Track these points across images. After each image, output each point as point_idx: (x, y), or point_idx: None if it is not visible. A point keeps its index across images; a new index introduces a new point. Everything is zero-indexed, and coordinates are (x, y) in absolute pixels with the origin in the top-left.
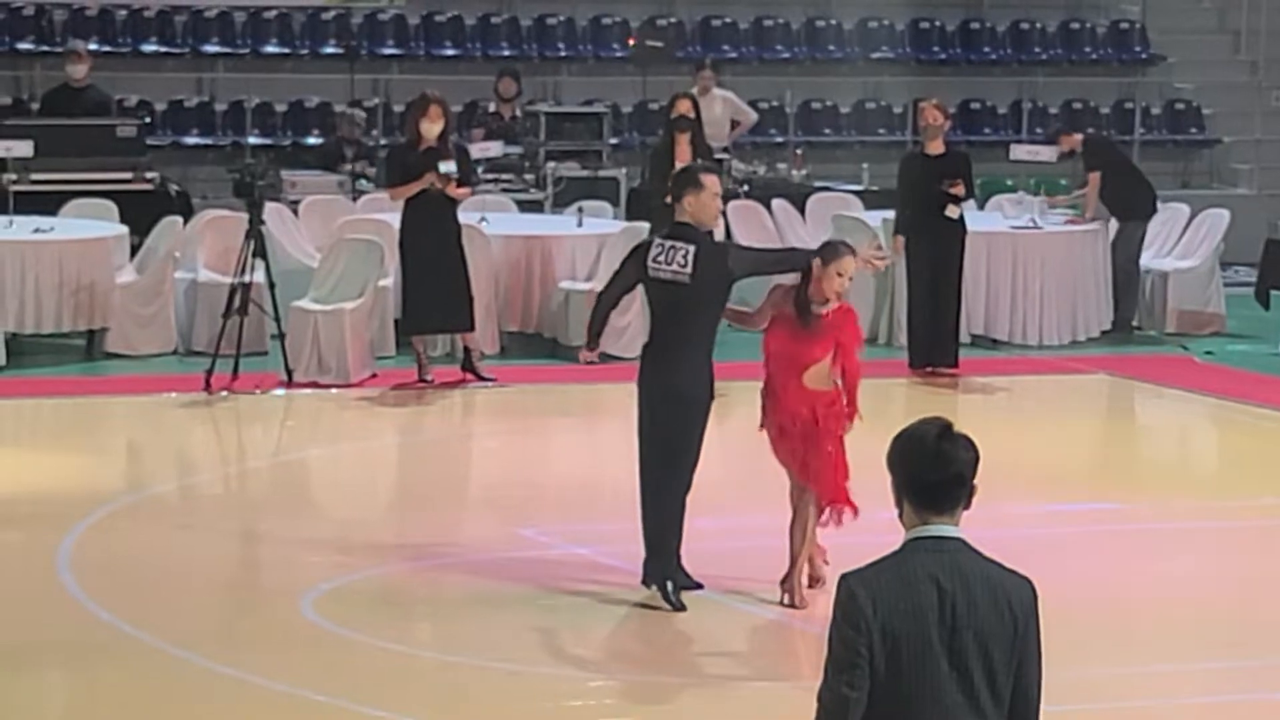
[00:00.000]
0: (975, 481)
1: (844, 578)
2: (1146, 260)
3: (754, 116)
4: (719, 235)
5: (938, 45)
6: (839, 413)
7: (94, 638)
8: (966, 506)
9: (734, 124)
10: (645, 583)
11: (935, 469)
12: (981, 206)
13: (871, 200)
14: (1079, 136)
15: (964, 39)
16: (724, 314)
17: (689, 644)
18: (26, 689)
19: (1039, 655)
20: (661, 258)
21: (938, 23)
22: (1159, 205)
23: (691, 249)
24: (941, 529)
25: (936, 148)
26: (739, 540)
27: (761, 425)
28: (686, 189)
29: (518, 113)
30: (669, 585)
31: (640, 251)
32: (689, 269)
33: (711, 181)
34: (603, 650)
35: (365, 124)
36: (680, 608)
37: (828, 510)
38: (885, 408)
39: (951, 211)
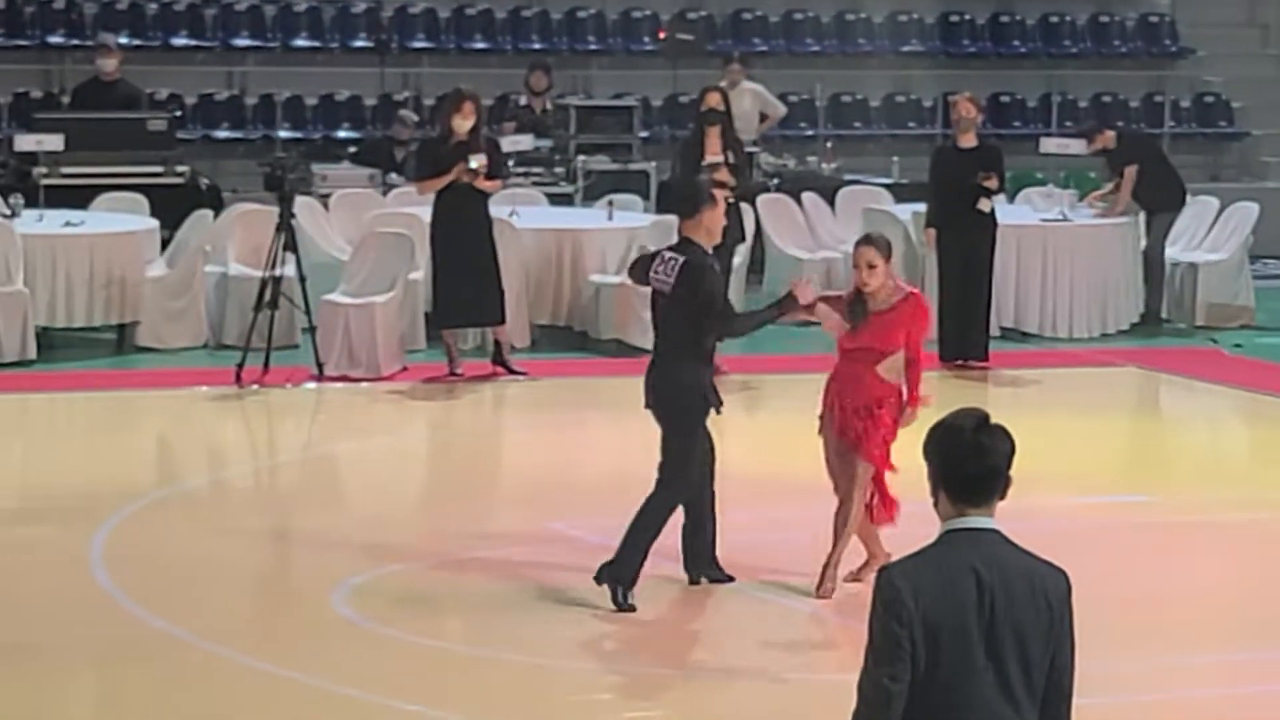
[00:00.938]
0: (1010, 473)
1: (884, 569)
2: (1176, 253)
3: (782, 110)
4: (749, 228)
5: (967, 38)
6: (898, 403)
7: (125, 633)
8: (1002, 498)
9: (762, 117)
10: (597, 579)
11: (973, 460)
12: (1011, 200)
13: (901, 194)
14: (1112, 133)
15: (994, 32)
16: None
17: (720, 637)
18: (58, 685)
19: (1072, 647)
20: (661, 268)
21: (968, 16)
22: (1188, 198)
23: (681, 260)
24: (978, 520)
25: (969, 141)
26: (772, 533)
27: (820, 415)
28: (705, 205)
29: (548, 106)
30: (619, 590)
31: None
32: (671, 280)
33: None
34: (632, 644)
35: (415, 125)
36: (629, 609)
37: (872, 499)
38: None
39: (983, 205)
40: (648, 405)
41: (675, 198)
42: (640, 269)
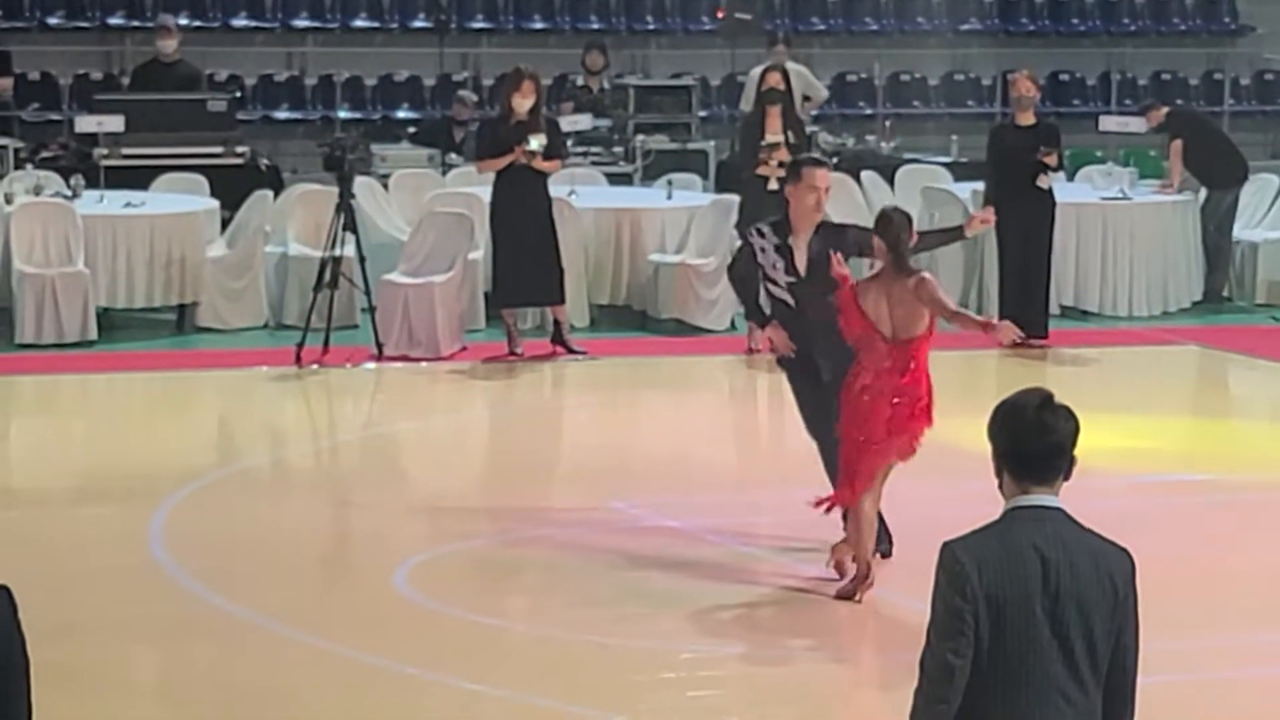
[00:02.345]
0: (1074, 453)
1: (948, 545)
2: (1236, 231)
3: (824, 93)
4: None
5: (1026, 17)
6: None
7: (185, 611)
8: (1066, 477)
9: (805, 99)
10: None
11: (1037, 439)
12: (1071, 178)
13: (960, 172)
14: (1165, 110)
15: (1053, 10)
16: None
17: (783, 618)
18: (119, 663)
19: (1136, 626)
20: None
21: None
22: (1249, 175)
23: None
24: (1042, 499)
25: (1027, 119)
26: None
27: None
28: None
29: (605, 85)
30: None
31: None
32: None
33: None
34: (693, 623)
35: (474, 106)
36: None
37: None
38: (976, 380)
39: (1042, 182)
40: None
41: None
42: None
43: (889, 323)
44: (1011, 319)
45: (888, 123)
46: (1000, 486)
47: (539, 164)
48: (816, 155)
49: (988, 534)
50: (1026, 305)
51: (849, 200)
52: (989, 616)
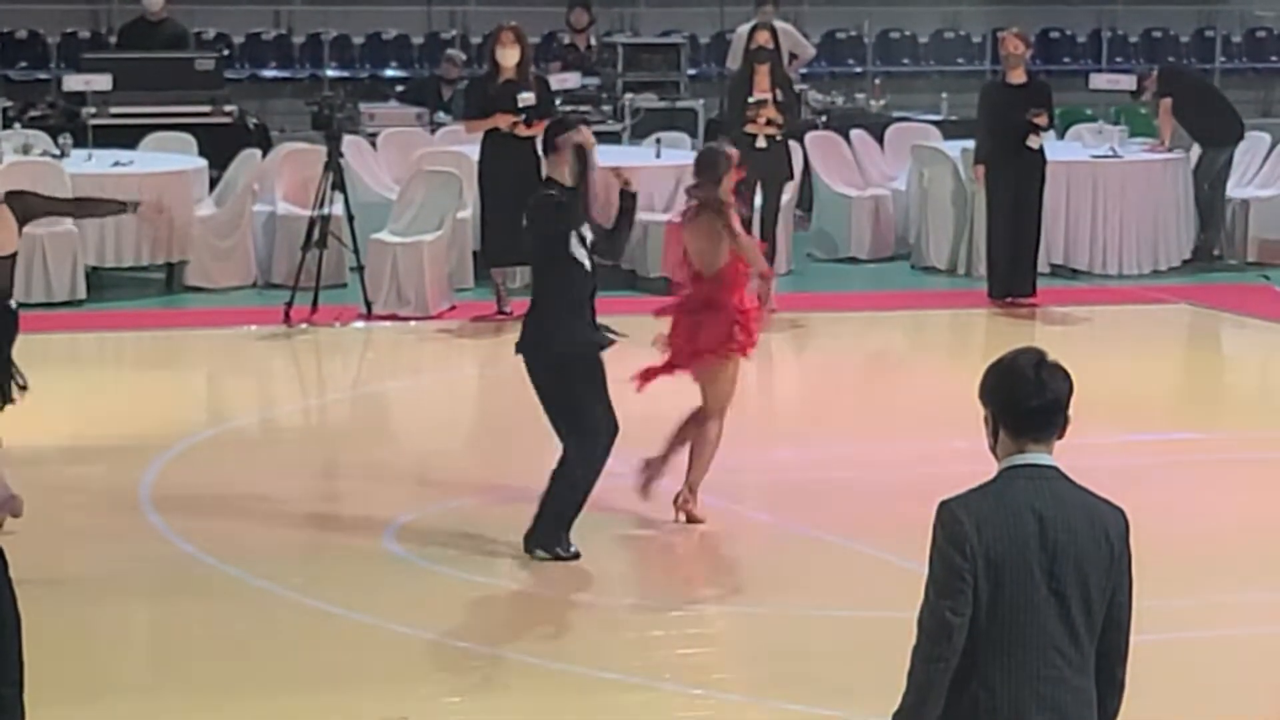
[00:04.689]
0: (1069, 412)
1: (945, 503)
2: (1227, 190)
3: (811, 51)
4: (798, 165)
5: None
6: None
7: (176, 569)
8: (1060, 436)
9: (792, 57)
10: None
11: (1035, 397)
12: (1061, 136)
13: (950, 130)
14: (1155, 72)
15: None
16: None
17: (778, 575)
18: (110, 620)
19: (1130, 584)
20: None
21: None
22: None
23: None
24: (1038, 457)
25: (1018, 77)
26: (820, 472)
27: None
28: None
29: (592, 43)
30: (555, 551)
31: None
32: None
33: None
34: (682, 580)
35: (462, 64)
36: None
37: None
38: (966, 338)
39: (1033, 141)
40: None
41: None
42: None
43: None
44: (1002, 278)
45: (877, 81)
46: (994, 446)
47: (526, 131)
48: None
49: (985, 492)
50: (1015, 264)
51: (839, 159)
52: (987, 574)
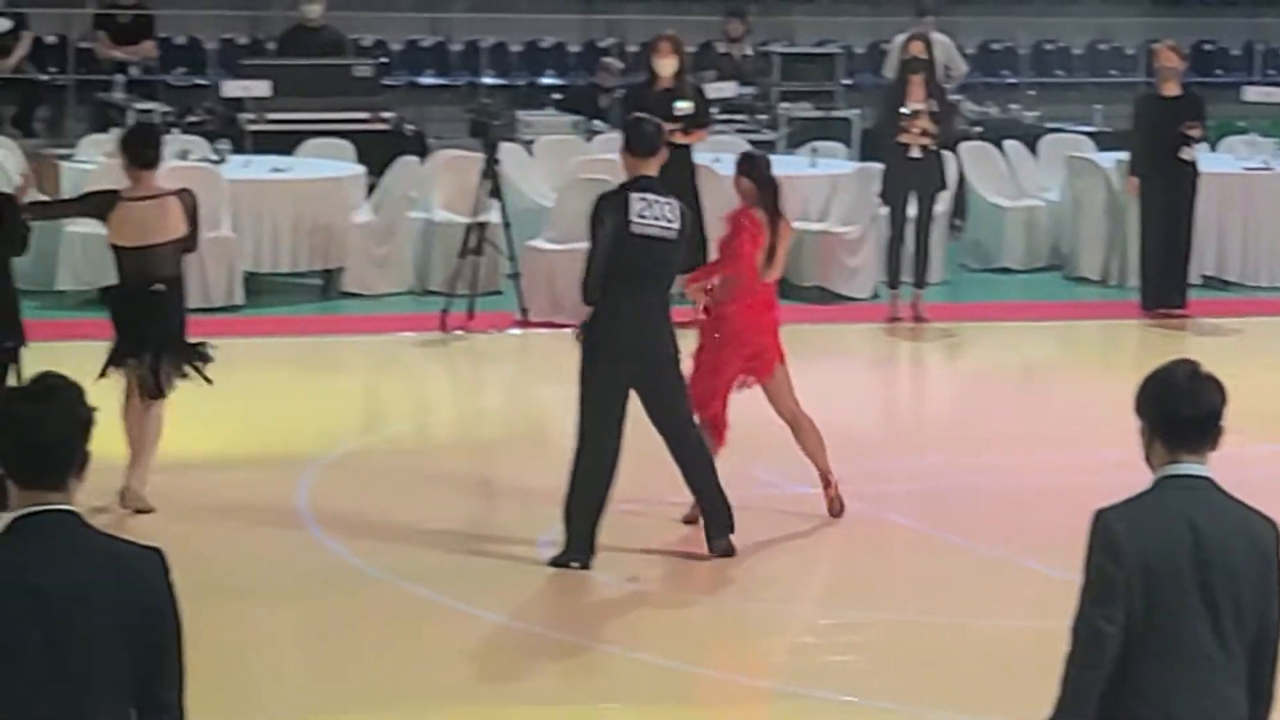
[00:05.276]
0: (1222, 423)
1: (1100, 512)
2: None
3: (965, 68)
4: (951, 176)
5: None
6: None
7: (330, 574)
8: (1214, 447)
9: (946, 71)
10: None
11: (1189, 408)
12: (1214, 148)
13: (1104, 141)
14: None
15: None
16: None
17: (920, 582)
18: (265, 622)
19: None
20: (647, 212)
21: None
22: None
23: (678, 204)
24: (1192, 468)
25: (1172, 89)
26: (971, 480)
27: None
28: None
29: (748, 52)
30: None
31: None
32: (677, 224)
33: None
34: (834, 588)
35: (619, 73)
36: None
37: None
38: (1117, 349)
39: (1186, 154)
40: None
41: (641, 135)
42: (613, 212)
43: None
44: (1154, 290)
45: (1031, 92)
46: (1148, 456)
47: (683, 139)
48: None
49: (1140, 502)
50: (1167, 275)
51: (993, 169)
52: (1141, 584)
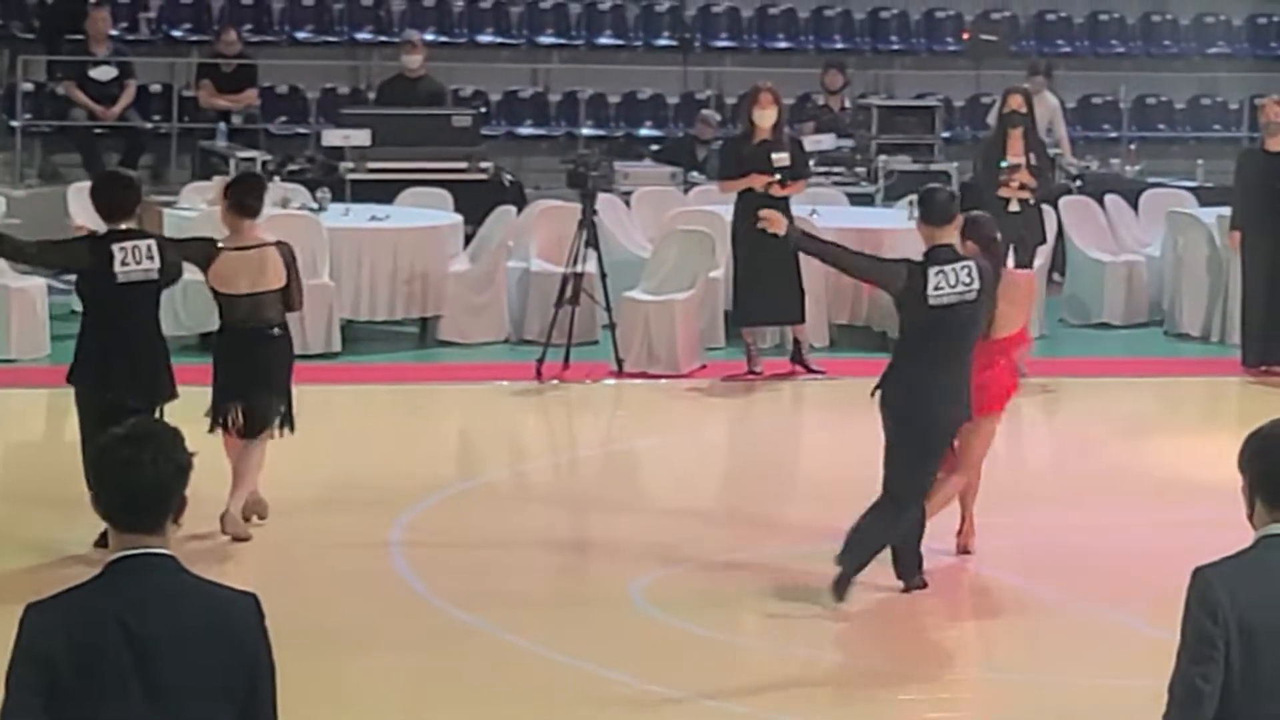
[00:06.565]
0: None
1: (1200, 570)
2: None
3: (1067, 143)
4: (1050, 229)
5: (1276, 40)
6: None
7: (424, 621)
8: None
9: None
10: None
11: None
12: None
13: (1207, 196)
14: None
15: None
16: None
17: (1017, 639)
18: (359, 670)
19: None
20: (943, 283)
21: (1276, 18)
22: None
23: (972, 264)
24: None
25: (1277, 144)
26: (1071, 537)
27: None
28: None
29: (846, 104)
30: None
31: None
32: (976, 285)
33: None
34: (930, 644)
35: (717, 125)
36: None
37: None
38: (1218, 406)
39: None
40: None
41: (934, 204)
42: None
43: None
44: (1257, 345)
45: (1132, 146)
46: (1250, 515)
47: (781, 191)
48: None
49: (1240, 560)
50: (1271, 331)
51: (1093, 224)
52: (1240, 643)
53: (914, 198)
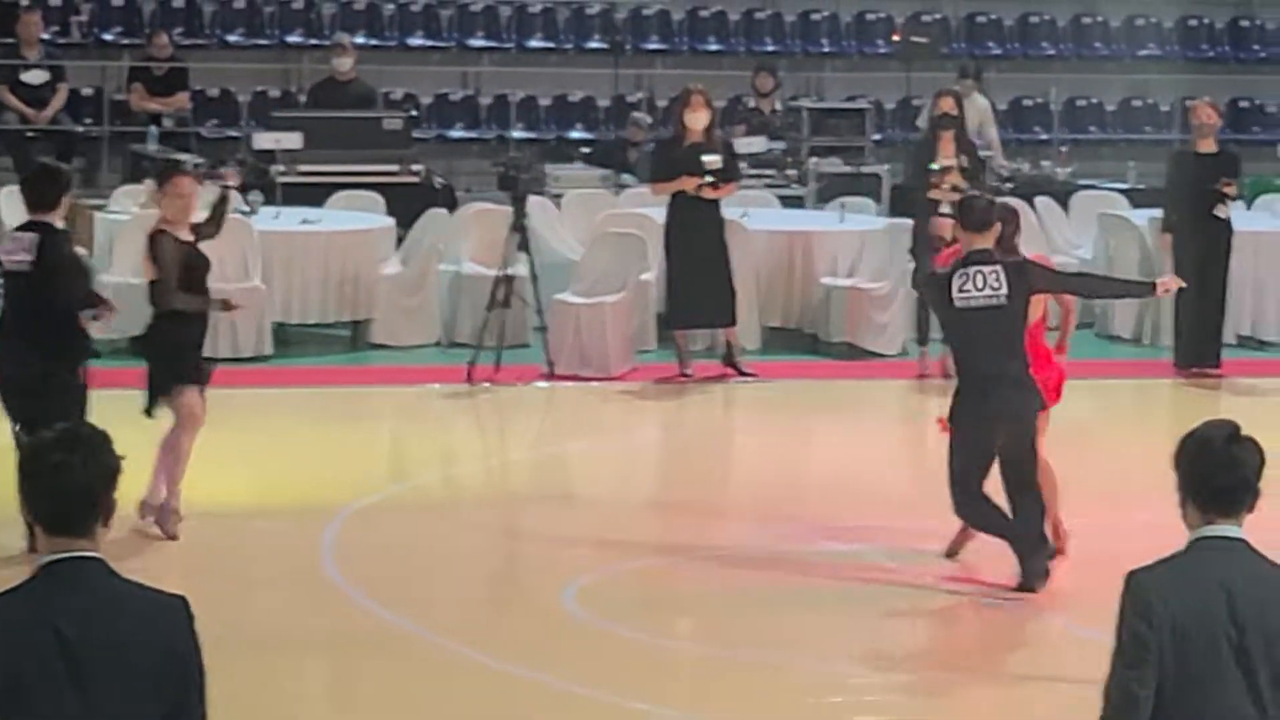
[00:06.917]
0: (1259, 486)
1: (1133, 574)
2: None
3: (997, 143)
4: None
5: (1206, 43)
6: None
7: (356, 625)
8: (1250, 510)
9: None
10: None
11: (1224, 472)
12: (1249, 206)
13: (1138, 199)
14: None
15: (1233, 36)
16: None
17: (949, 644)
18: (289, 674)
19: None
20: (968, 286)
21: (1206, 20)
22: None
23: (1000, 268)
24: (1227, 530)
25: (1208, 146)
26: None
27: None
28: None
29: (777, 107)
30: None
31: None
32: (1004, 289)
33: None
34: (861, 647)
35: (648, 128)
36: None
37: None
38: (1150, 408)
39: (1220, 211)
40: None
41: (971, 211)
42: (937, 289)
43: None
44: (1187, 348)
45: (1064, 148)
46: (1184, 517)
47: (712, 194)
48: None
49: (1173, 564)
50: (1201, 333)
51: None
52: (1173, 646)
53: (844, 200)
